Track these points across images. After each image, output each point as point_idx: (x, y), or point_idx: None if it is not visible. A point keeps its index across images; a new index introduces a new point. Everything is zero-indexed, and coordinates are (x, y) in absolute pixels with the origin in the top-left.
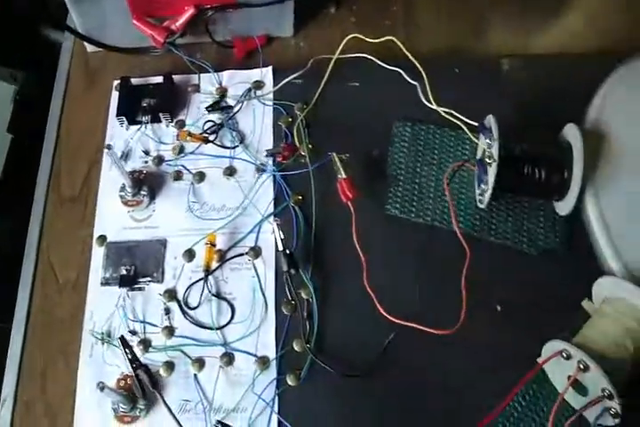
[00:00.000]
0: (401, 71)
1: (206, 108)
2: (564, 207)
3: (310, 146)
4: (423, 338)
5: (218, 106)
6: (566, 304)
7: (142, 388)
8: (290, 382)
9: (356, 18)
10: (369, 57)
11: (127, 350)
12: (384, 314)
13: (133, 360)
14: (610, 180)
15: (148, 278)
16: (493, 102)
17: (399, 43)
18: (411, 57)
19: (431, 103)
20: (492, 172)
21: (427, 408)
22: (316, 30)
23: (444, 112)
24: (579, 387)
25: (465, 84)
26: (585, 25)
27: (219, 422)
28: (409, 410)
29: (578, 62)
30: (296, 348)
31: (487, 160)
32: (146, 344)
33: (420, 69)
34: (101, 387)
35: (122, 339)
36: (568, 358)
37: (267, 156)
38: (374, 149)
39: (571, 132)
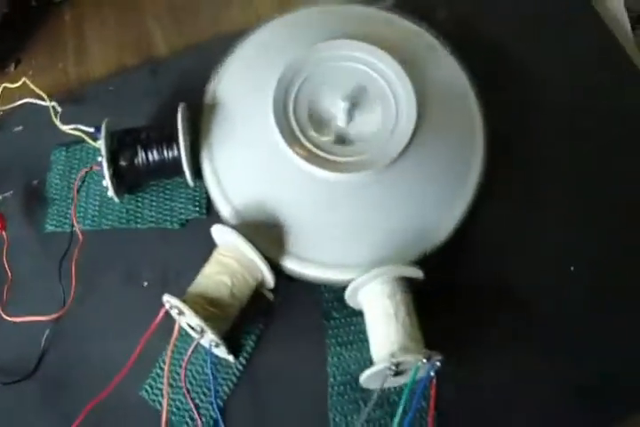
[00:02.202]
0: (55, 105)
1: None
2: (189, 178)
3: None
4: (76, 329)
5: None
6: None
7: None
8: None
9: (33, 70)
10: (31, 100)
11: None
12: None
13: None
14: (220, 141)
15: None
16: (147, 108)
17: (30, 83)
18: (40, 91)
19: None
20: (104, 167)
21: (86, 391)
22: None
23: (71, 129)
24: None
25: (119, 99)
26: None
27: None
28: (73, 399)
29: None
30: None
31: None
32: None
33: (47, 102)
34: None
35: None
36: (172, 308)
37: None
38: (34, 180)
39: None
